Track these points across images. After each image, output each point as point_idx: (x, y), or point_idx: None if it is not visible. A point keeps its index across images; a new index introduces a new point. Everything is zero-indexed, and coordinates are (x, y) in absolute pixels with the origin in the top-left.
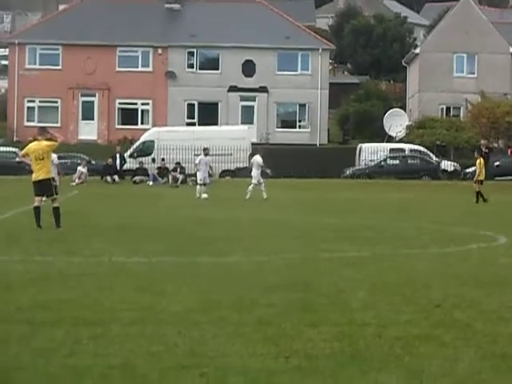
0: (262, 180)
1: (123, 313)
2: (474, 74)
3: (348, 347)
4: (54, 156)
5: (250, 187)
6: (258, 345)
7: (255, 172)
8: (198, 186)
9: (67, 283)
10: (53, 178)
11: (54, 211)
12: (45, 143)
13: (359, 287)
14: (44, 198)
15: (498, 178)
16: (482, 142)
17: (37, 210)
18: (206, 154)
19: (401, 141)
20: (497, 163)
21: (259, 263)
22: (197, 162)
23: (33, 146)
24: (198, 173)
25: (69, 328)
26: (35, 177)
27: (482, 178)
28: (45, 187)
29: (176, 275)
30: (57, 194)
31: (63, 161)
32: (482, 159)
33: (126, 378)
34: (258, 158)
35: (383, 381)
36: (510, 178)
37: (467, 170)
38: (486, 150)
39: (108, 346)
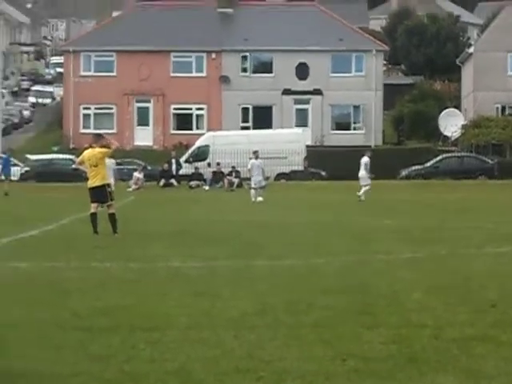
0: (369, 181)
1: (179, 318)
2: None
3: (405, 349)
4: (112, 161)
5: (363, 189)
6: (315, 347)
7: (363, 173)
8: (252, 191)
9: (124, 289)
10: (108, 185)
11: (110, 217)
12: (98, 150)
13: (415, 288)
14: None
15: None
16: None
17: (93, 216)
18: (256, 157)
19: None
20: None
21: (315, 266)
22: (249, 167)
23: (87, 153)
24: (251, 177)
25: (125, 334)
26: (90, 183)
27: None
28: (100, 194)
29: (231, 279)
30: (112, 200)
31: (120, 167)
32: None
33: (183, 383)
34: (365, 159)
35: (440, 382)
36: None
37: None
38: None
39: (164, 351)
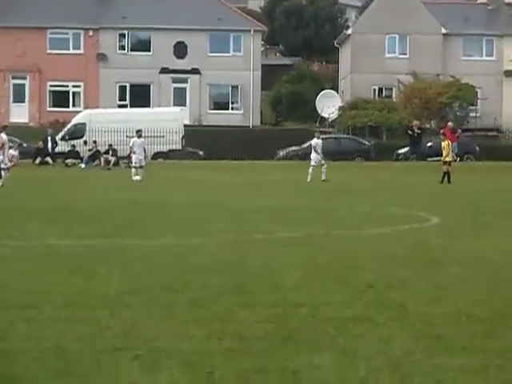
0: (323, 162)
1: (55, 296)
2: (405, 54)
3: (281, 328)
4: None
5: (323, 169)
6: (191, 327)
7: (314, 155)
8: (133, 169)
9: None
10: None
11: None
12: None
13: (292, 268)
14: None
15: (430, 159)
16: (415, 122)
17: None
18: (139, 136)
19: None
20: (429, 144)
21: (192, 245)
22: (130, 144)
23: None
24: (132, 155)
25: (1, 311)
26: None
27: (449, 159)
28: None
29: (108, 258)
30: None
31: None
32: (449, 141)
33: (59, 360)
34: (315, 141)
35: (316, 361)
36: (441, 158)
37: (399, 151)
38: (419, 131)
39: (40, 328)
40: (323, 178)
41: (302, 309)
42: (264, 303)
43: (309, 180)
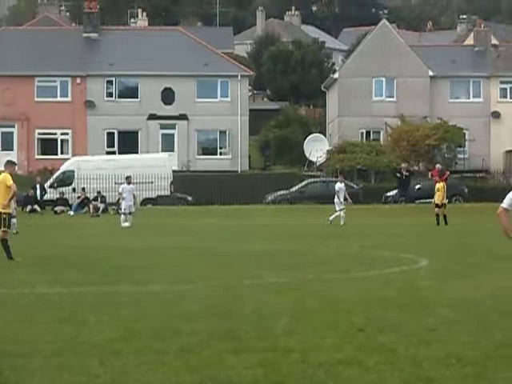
0: (343, 206)
1: (45, 344)
2: (393, 97)
3: (271, 373)
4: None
5: (342, 213)
6: (181, 373)
7: (336, 199)
8: (122, 216)
9: None
10: None
11: None
12: None
13: (282, 313)
14: None
15: (418, 201)
16: (403, 165)
17: None
18: (128, 183)
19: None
20: (417, 186)
21: (181, 291)
22: (120, 190)
23: None
24: (122, 202)
25: None
26: None
27: (445, 201)
28: None
29: (97, 305)
30: None
31: None
32: (443, 183)
33: None
34: (338, 185)
35: None
36: (430, 200)
37: (388, 194)
38: (407, 174)
39: (30, 378)
40: (342, 222)
41: (291, 354)
42: (254, 349)
43: (342, 223)
